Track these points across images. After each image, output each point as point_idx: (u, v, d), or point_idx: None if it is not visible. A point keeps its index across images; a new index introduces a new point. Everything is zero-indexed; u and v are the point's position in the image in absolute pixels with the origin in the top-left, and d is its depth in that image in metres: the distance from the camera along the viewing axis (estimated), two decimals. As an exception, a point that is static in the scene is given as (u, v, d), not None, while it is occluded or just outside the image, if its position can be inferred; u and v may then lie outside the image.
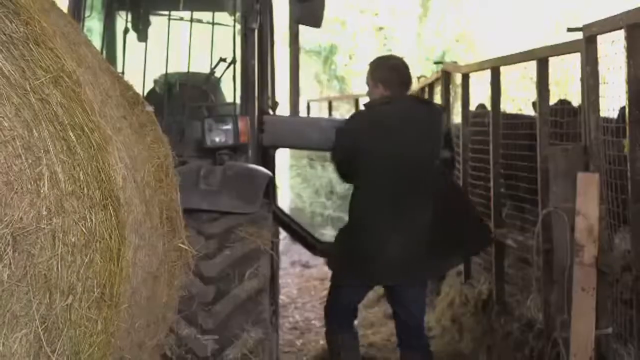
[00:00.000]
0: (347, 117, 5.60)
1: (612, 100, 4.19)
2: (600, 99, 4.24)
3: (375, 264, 4.97)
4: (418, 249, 4.95)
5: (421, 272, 5.15)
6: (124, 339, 2.88)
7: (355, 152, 4.98)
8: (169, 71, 5.41)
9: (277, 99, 6.37)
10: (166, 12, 5.47)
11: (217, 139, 5.10)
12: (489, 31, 18.83)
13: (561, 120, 4.94)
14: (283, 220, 6.26)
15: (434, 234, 4.97)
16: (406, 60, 5.35)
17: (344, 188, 10.97)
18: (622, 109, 4.02)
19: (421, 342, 5.26)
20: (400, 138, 4.97)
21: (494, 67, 6.03)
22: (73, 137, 2.62)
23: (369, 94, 5.25)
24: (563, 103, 5.23)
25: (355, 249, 5.01)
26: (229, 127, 5.11)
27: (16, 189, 2.57)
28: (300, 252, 10.69)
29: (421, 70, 15.88)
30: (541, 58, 5.03)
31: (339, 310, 5.26)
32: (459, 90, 7.26)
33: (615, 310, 4.14)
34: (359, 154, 4.97)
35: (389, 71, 5.13)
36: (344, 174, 5.23)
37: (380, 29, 19.77)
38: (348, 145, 5.03)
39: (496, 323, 5.80)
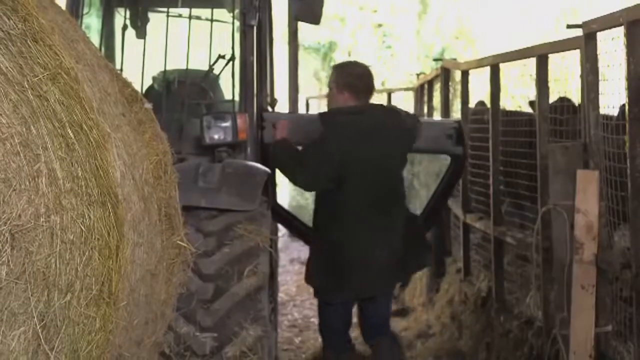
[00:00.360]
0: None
1: (612, 98, 4.19)
2: (600, 96, 4.23)
3: (360, 278, 4.99)
4: (395, 257, 5.02)
5: (398, 278, 5.32)
6: (122, 337, 2.87)
7: (341, 161, 4.89)
8: (167, 68, 5.39)
9: (276, 96, 6.35)
10: (165, 9, 5.45)
11: (215, 137, 5.08)
12: (488, 28, 18.81)
13: (561, 118, 4.93)
14: (284, 217, 6.25)
15: (404, 239, 5.07)
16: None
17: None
18: (623, 106, 4.01)
19: (388, 331, 5.31)
20: (379, 148, 4.99)
21: (494, 64, 6.02)
22: (71, 134, 2.60)
23: (330, 99, 5.21)
24: (563, 101, 5.22)
25: (339, 264, 4.97)
26: (227, 124, 5.09)
27: (14, 186, 2.56)
28: (299, 249, 10.69)
29: (420, 67, 15.86)
30: (541, 55, 5.02)
31: (333, 329, 5.24)
32: (459, 87, 7.25)
33: (615, 307, 4.14)
34: (344, 164, 4.89)
35: (356, 78, 5.10)
36: (315, 182, 5.06)
37: (380, 25, 19.74)
38: (334, 153, 4.89)
39: (495, 321, 5.80)
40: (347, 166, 4.91)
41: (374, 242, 4.95)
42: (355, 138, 4.95)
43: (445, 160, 6.08)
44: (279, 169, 5.26)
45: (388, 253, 4.97)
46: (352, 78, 5.09)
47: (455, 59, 9.50)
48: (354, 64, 5.39)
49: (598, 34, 4.19)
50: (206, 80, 5.58)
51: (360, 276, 4.96)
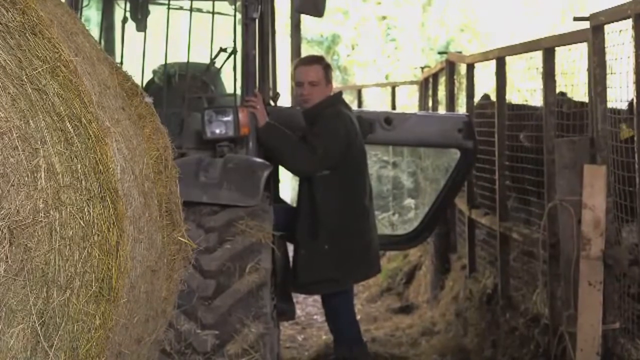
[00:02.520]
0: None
1: (620, 91, 4.14)
2: (608, 90, 4.19)
3: (372, 258, 5.41)
4: (375, 242, 5.46)
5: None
6: (122, 334, 2.84)
7: (348, 151, 5.22)
8: (168, 62, 5.34)
9: (278, 90, 6.30)
10: (165, 1, 5.40)
11: (217, 131, 5.03)
12: (493, 20, 18.75)
13: (567, 112, 4.88)
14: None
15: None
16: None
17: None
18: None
19: None
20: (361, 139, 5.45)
21: (499, 57, 5.97)
22: (70, 129, 2.57)
23: (317, 93, 5.31)
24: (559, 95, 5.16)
25: (358, 246, 5.28)
26: (229, 118, 5.04)
27: (13, 181, 2.53)
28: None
29: (425, 61, 15.82)
30: (547, 48, 4.97)
31: (352, 319, 5.38)
32: (464, 81, 7.21)
33: (623, 304, 4.10)
34: (351, 153, 5.24)
35: (331, 70, 5.51)
36: (319, 168, 5.24)
37: (384, 18, 19.68)
38: (343, 144, 5.20)
39: (501, 318, 5.76)
40: (353, 156, 5.26)
41: (372, 225, 5.39)
42: (355, 130, 5.31)
43: (455, 154, 6.03)
44: (274, 152, 5.27)
45: (374, 237, 5.44)
46: (331, 70, 5.47)
47: (460, 52, 9.46)
48: (324, 57, 5.74)
49: (605, 26, 4.14)
50: (207, 74, 5.53)
51: (372, 255, 5.39)
